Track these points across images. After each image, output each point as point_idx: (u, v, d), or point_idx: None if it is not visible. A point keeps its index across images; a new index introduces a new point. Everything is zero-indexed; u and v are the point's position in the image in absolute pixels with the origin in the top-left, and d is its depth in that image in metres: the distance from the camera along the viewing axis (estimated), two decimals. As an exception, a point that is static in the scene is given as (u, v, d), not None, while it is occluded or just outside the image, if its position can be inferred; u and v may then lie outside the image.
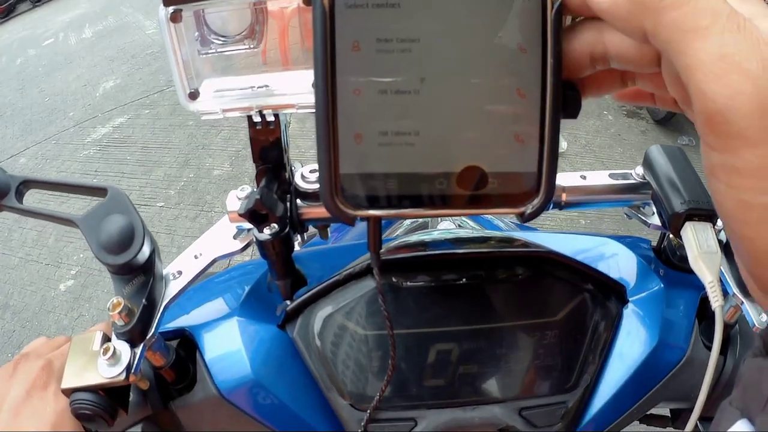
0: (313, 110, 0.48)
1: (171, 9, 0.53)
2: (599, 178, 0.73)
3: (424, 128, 0.43)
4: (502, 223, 1.40)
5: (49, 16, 8.93)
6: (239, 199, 0.66)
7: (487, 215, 1.32)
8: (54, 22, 8.53)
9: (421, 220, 1.33)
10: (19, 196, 0.65)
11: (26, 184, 0.66)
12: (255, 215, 0.61)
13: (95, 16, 8.18)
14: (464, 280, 0.67)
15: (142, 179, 4.19)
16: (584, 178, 0.72)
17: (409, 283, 0.66)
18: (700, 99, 0.30)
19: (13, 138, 5.28)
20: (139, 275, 0.62)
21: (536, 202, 0.44)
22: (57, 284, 3.35)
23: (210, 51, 0.58)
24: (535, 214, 0.45)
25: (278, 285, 0.71)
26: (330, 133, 0.43)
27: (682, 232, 0.64)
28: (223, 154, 4.31)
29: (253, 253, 0.69)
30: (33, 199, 0.70)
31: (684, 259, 0.74)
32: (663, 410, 0.79)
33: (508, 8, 0.41)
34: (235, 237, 0.68)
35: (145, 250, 0.61)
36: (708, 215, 0.64)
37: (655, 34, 0.32)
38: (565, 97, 0.44)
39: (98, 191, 0.64)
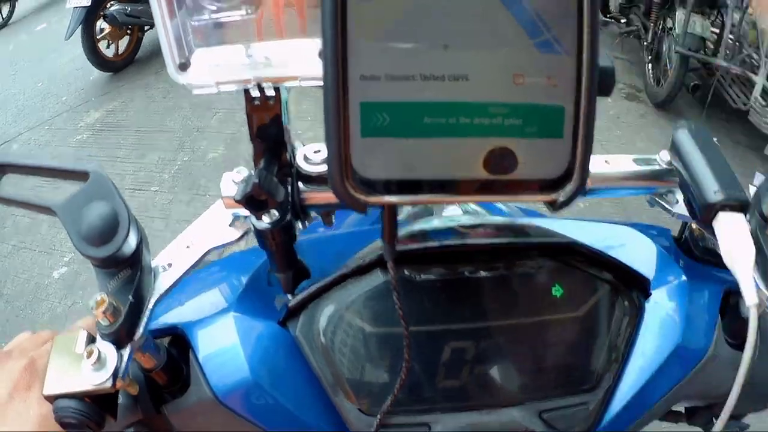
0: (319, 83, 0.42)
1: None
2: (623, 163, 0.69)
3: (448, 101, 0.39)
4: (506, 207, 1.35)
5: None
6: (235, 182, 0.60)
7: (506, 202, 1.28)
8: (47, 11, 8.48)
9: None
10: None
11: (1, 169, 0.60)
12: (253, 201, 0.55)
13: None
14: (482, 272, 0.63)
15: (137, 163, 4.14)
16: (608, 162, 0.68)
17: (423, 277, 0.62)
18: None
19: (5, 124, 5.22)
20: (124, 268, 0.56)
21: (569, 188, 0.41)
22: (50, 272, 3.29)
23: (203, 18, 0.53)
24: (567, 203, 0.41)
25: (279, 278, 0.65)
26: (340, 105, 0.39)
27: (715, 224, 0.60)
28: (218, 136, 4.26)
29: (251, 240, 0.64)
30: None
31: (708, 251, 0.74)
32: (677, 406, 0.76)
33: None
34: (230, 225, 0.63)
35: (131, 241, 0.55)
36: (741, 206, 0.59)
37: None
38: (600, 71, 0.40)
39: (79, 175, 0.58)
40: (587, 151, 0.40)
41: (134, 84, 5.35)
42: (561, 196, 0.41)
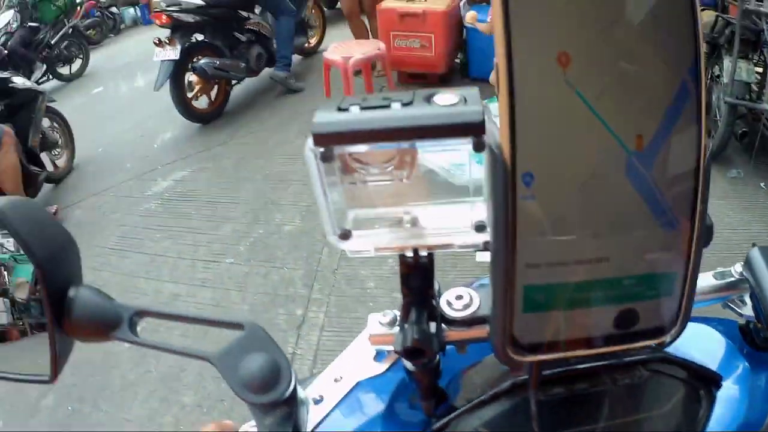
0: (472, 249, 0.48)
1: (322, 149, 0.49)
2: (705, 279, 0.81)
3: (593, 280, 0.47)
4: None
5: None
6: (381, 324, 0.66)
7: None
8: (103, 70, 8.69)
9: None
10: (133, 327, 0.64)
11: (139, 314, 0.65)
12: (410, 351, 0.61)
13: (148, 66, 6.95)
14: (593, 388, 0.69)
15: (210, 234, 4.10)
16: None
17: (545, 397, 0.68)
18: None
19: (65, 188, 5.24)
20: (282, 406, 0.62)
21: (674, 331, 0.49)
22: (121, 339, 3.27)
23: (354, 182, 0.56)
24: (671, 343, 0.50)
25: (422, 405, 0.71)
26: (507, 289, 0.46)
27: None
28: (293, 209, 4.21)
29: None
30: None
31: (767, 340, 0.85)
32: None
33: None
34: (374, 358, 0.69)
35: (291, 386, 0.61)
36: None
37: None
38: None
39: (232, 325, 0.64)
40: (690, 302, 0.48)
41: (203, 154, 5.36)
42: (668, 338, 0.49)
